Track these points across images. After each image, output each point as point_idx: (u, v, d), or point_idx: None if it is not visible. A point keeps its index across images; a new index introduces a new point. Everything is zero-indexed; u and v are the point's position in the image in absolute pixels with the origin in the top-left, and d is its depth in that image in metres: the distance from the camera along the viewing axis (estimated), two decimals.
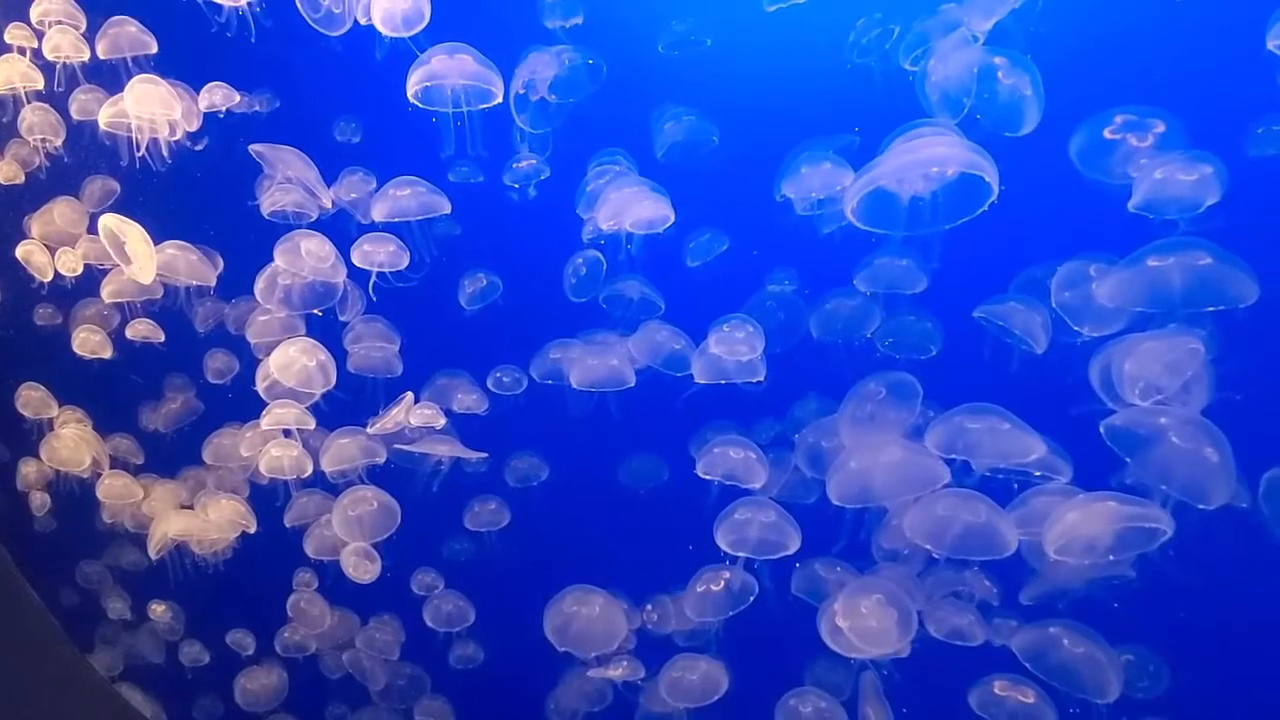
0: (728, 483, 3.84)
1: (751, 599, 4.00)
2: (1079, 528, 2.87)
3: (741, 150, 4.10)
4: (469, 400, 4.80)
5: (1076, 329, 3.29)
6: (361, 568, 4.79)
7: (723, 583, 4.03)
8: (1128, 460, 2.73)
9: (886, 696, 3.88)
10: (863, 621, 3.40)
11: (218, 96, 4.55)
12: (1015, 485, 3.33)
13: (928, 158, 2.91)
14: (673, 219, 3.95)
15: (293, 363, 4.44)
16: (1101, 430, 2.80)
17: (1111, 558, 2.92)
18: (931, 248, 3.42)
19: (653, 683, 4.58)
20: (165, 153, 4.44)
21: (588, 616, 4.20)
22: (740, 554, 3.81)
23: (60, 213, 4.80)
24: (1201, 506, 2.66)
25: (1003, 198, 2.95)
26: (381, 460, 4.61)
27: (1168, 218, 3.02)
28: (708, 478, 3.85)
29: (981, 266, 3.55)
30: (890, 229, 3.22)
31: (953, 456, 3.16)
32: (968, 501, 3.13)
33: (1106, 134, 3.04)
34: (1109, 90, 3.17)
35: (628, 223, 3.96)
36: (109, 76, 4.48)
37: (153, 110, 4.28)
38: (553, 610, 4.22)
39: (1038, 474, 3.26)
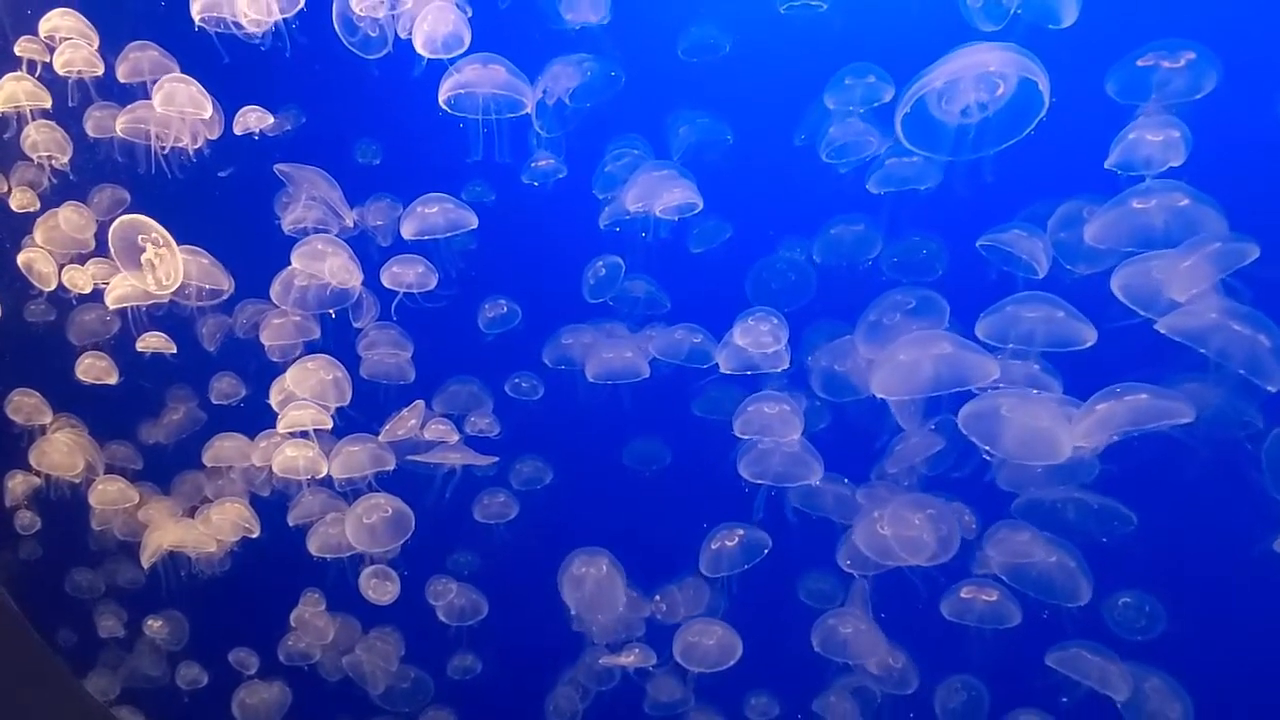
0: (765, 439, 3.81)
1: (765, 552, 4.04)
2: (1110, 418, 2.99)
3: (758, 148, 4.19)
4: (482, 423, 4.77)
5: (1070, 268, 3.42)
6: (381, 589, 4.64)
7: (736, 539, 4.07)
8: (1201, 350, 2.84)
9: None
10: (908, 531, 3.45)
11: (252, 119, 4.47)
12: None
13: (982, 59, 2.99)
14: (701, 205, 3.98)
15: (309, 376, 4.37)
16: (1163, 329, 2.90)
17: (1115, 438, 3.05)
18: (978, 170, 3.45)
19: (662, 670, 4.58)
20: (191, 155, 4.38)
21: (596, 577, 4.26)
22: (762, 483, 3.83)
23: (66, 218, 4.57)
24: (1269, 388, 2.82)
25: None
26: (391, 468, 4.50)
27: (1135, 174, 3.23)
28: (745, 437, 3.82)
29: (988, 197, 3.59)
30: (936, 150, 3.30)
31: (1005, 346, 3.18)
32: (1030, 404, 3.13)
33: (1139, 63, 3.21)
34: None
35: (657, 207, 3.98)
36: (125, 96, 4.38)
37: (182, 109, 4.20)
38: (564, 576, 4.28)
39: (1035, 392, 3.29)
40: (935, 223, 3.88)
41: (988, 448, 3.16)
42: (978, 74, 3.05)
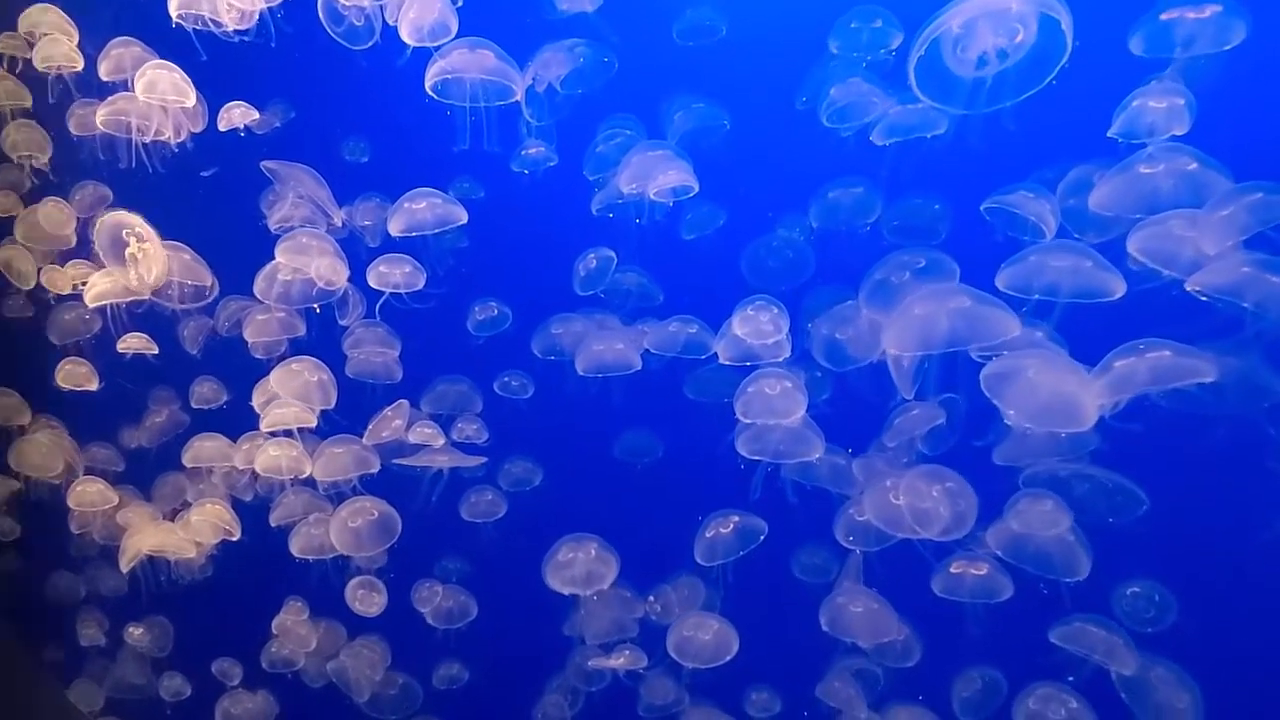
0: (768, 421, 3.67)
1: (761, 539, 3.93)
2: (1130, 376, 2.87)
3: (755, 132, 4.11)
4: (470, 430, 4.67)
5: (1079, 236, 3.28)
6: (368, 600, 4.55)
7: (731, 526, 3.98)
8: (1245, 305, 2.72)
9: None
10: (923, 503, 3.33)
11: (237, 114, 4.37)
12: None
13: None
14: (696, 188, 3.88)
15: (293, 378, 4.26)
16: (1194, 286, 2.79)
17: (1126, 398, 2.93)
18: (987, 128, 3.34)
19: (657, 671, 4.46)
20: (174, 148, 4.29)
21: (586, 560, 4.17)
22: (760, 459, 3.73)
23: (46, 215, 4.47)
24: None
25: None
26: (375, 470, 4.38)
27: (1138, 141, 3.15)
28: (747, 421, 3.70)
29: (993, 161, 3.50)
30: (948, 103, 3.19)
31: (1030, 298, 3.04)
32: (1058, 370, 2.97)
33: (1163, 17, 3.09)
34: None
35: (651, 189, 3.86)
36: (107, 95, 4.26)
37: (164, 96, 4.10)
38: (550, 564, 4.19)
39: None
40: (937, 185, 3.79)
41: (1011, 411, 3.00)
42: (997, 12, 2.93)
